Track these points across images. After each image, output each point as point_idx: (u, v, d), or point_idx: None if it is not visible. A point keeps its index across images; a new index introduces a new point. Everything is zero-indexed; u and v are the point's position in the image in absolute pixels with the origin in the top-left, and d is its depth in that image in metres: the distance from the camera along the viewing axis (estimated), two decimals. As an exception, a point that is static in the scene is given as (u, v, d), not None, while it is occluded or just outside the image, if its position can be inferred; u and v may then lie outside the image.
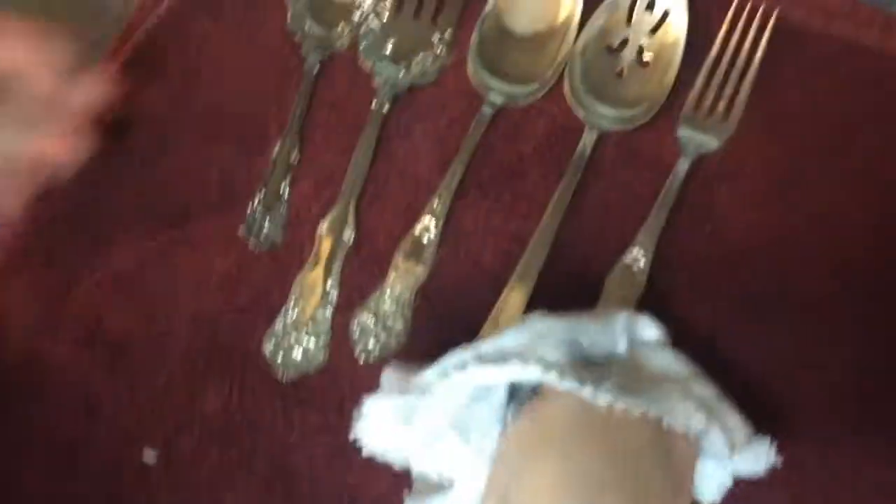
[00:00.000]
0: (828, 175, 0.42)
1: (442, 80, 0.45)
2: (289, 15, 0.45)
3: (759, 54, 0.42)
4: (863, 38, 0.45)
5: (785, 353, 0.39)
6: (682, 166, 0.41)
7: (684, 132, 0.42)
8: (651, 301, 0.40)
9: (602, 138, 0.43)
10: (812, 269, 0.40)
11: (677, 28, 0.44)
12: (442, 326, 0.40)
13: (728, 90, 0.43)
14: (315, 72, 0.44)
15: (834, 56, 0.45)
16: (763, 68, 0.43)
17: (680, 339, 0.39)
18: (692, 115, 0.42)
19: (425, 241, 0.41)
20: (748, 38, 0.43)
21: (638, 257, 0.40)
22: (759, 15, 0.43)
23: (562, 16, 0.44)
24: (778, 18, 0.45)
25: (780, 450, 0.36)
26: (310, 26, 0.45)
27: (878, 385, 0.38)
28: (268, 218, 0.41)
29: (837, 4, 0.46)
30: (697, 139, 0.42)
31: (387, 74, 0.44)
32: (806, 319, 0.40)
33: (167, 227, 0.41)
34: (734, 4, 0.43)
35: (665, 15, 0.44)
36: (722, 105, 0.42)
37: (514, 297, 0.40)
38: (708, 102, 0.42)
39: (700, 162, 0.42)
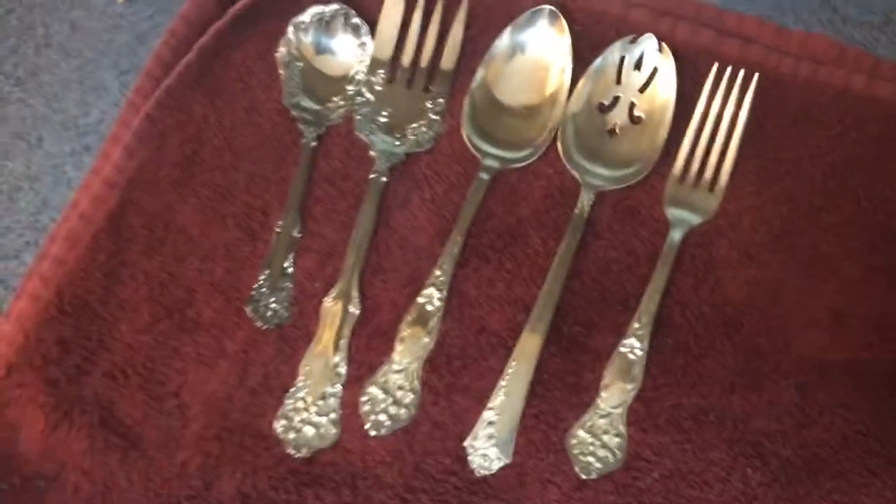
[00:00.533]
0: (820, 225, 0.43)
1: (438, 147, 0.45)
2: (283, 92, 0.45)
3: (742, 118, 0.43)
4: (851, 83, 0.46)
5: (789, 404, 0.40)
6: (675, 237, 0.42)
7: (671, 211, 0.42)
8: (660, 362, 0.41)
9: (599, 198, 0.44)
10: (809, 321, 0.41)
11: (666, 85, 0.45)
12: (451, 395, 0.41)
13: (713, 159, 0.43)
14: (312, 147, 0.45)
15: (822, 104, 0.45)
16: (751, 122, 0.44)
17: (688, 391, 0.40)
18: (676, 191, 0.43)
19: (430, 310, 0.42)
20: (730, 104, 0.44)
21: (634, 346, 0.40)
22: (740, 78, 0.44)
23: (550, 87, 0.45)
24: (765, 70, 0.46)
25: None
26: (304, 102, 0.45)
27: (879, 439, 0.39)
28: (273, 296, 0.42)
29: (824, 51, 0.47)
30: (684, 216, 0.42)
31: (383, 145, 0.45)
32: (809, 375, 0.40)
33: (174, 311, 0.42)
34: (713, 71, 0.44)
35: (653, 73, 0.45)
36: (708, 174, 0.43)
37: (518, 367, 0.40)
38: (693, 174, 0.43)
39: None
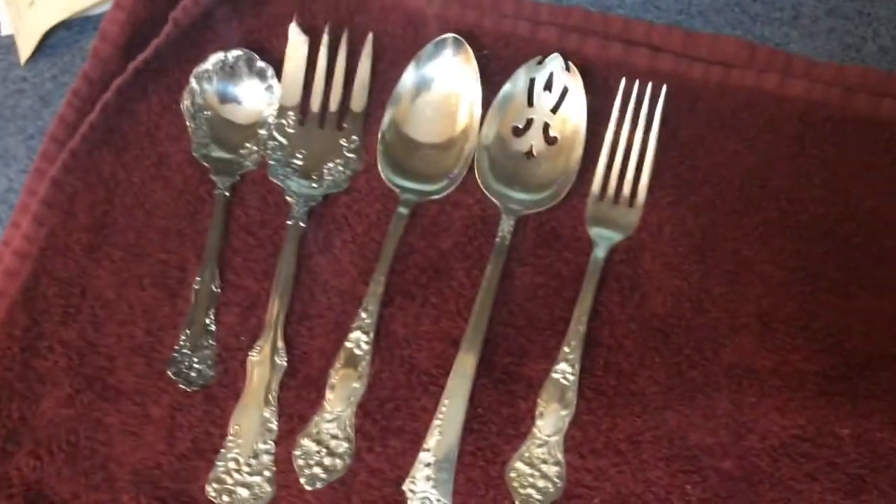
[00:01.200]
0: (741, 230, 0.43)
1: (355, 185, 0.45)
2: (192, 144, 0.44)
3: (654, 131, 0.43)
4: (763, 83, 0.46)
5: (723, 416, 0.39)
6: (599, 255, 0.42)
7: (593, 230, 0.42)
8: (593, 384, 0.40)
9: (520, 223, 0.43)
10: (737, 327, 0.41)
11: (578, 105, 0.44)
12: (386, 439, 0.40)
13: (629, 176, 0.43)
14: (226, 197, 0.44)
15: (735, 108, 0.46)
16: (664, 133, 0.44)
17: (622, 410, 0.40)
18: (597, 209, 0.43)
19: (358, 354, 0.41)
20: (641, 118, 0.44)
21: (566, 371, 0.40)
22: (649, 91, 0.44)
23: (461, 117, 0.45)
24: (676, 78, 0.46)
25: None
26: (215, 152, 0.44)
27: (815, 443, 0.39)
28: (196, 355, 0.41)
29: (734, 53, 0.47)
30: (606, 234, 0.42)
31: (299, 188, 0.44)
32: (741, 383, 0.40)
33: (95, 381, 0.41)
34: (622, 86, 0.44)
35: (564, 92, 0.45)
36: (626, 190, 0.43)
37: (451, 404, 0.40)
38: (612, 190, 0.43)
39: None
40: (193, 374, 0.41)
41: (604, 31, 0.47)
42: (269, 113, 0.45)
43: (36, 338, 0.41)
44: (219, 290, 0.42)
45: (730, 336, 0.41)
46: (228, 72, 0.45)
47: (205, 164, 0.44)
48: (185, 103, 0.45)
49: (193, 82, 0.45)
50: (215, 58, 0.45)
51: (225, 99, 0.45)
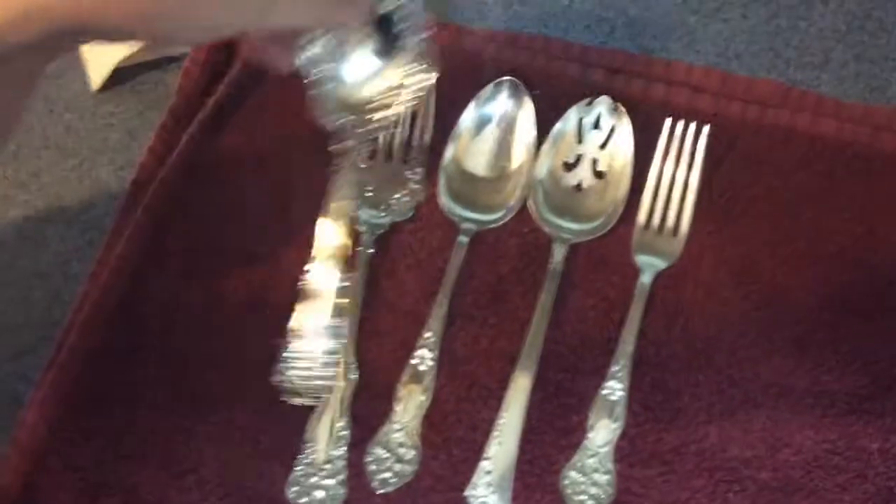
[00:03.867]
0: (776, 259, 0.46)
1: (419, 214, 0.49)
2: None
3: (696, 167, 0.47)
4: (796, 123, 0.50)
5: (761, 431, 0.43)
6: (645, 281, 0.46)
7: (639, 257, 0.46)
8: (641, 399, 0.44)
9: (572, 251, 0.47)
10: (773, 350, 0.44)
11: (624, 140, 0.48)
12: (449, 448, 0.44)
13: (672, 208, 0.47)
14: (302, 224, 0.48)
15: (770, 146, 0.49)
16: (705, 168, 0.48)
17: (668, 425, 0.43)
18: (642, 238, 0.46)
19: (423, 370, 0.45)
20: (684, 154, 0.47)
21: (615, 388, 0.44)
22: (692, 130, 0.48)
23: (516, 153, 0.49)
24: (714, 116, 0.49)
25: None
26: (292, 184, 0.49)
27: (845, 456, 0.42)
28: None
29: (769, 94, 0.50)
30: (651, 261, 0.46)
31: (368, 217, 0.48)
32: (777, 400, 0.43)
33: (188, 390, 0.45)
34: (667, 127, 0.48)
35: (611, 131, 0.48)
36: (670, 221, 0.47)
37: (510, 416, 0.43)
38: (656, 221, 0.47)
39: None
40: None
41: (647, 73, 0.51)
42: (340, 147, 0.49)
43: (133, 350, 0.45)
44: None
45: (767, 357, 0.44)
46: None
47: (283, 194, 0.49)
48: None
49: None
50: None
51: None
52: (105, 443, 0.43)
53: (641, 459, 0.43)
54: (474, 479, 0.43)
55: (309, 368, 0.39)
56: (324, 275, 0.39)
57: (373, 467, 0.43)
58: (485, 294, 0.47)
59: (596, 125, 0.48)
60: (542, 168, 0.48)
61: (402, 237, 0.48)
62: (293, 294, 0.47)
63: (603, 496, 0.42)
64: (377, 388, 0.45)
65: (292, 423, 0.44)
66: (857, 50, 0.52)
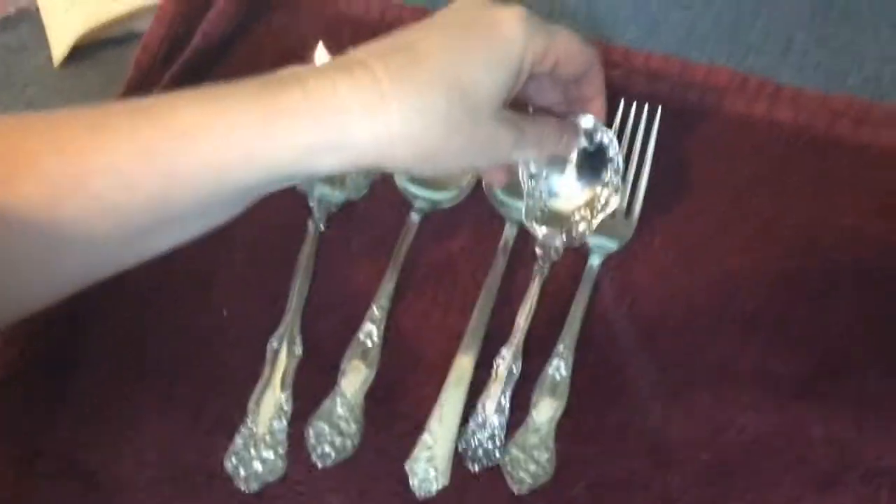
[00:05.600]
0: (728, 242, 0.46)
1: (373, 192, 0.48)
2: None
3: (650, 150, 0.46)
4: (753, 110, 0.50)
5: (703, 412, 0.42)
6: (594, 262, 0.45)
7: (590, 239, 0.46)
8: (585, 376, 0.43)
9: (522, 230, 0.47)
10: (720, 331, 0.44)
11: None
12: (392, 423, 0.43)
13: (626, 191, 0.47)
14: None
15: (726, 132, 0.49)
16: (659, 152, 0.48)
17: (610, 404, 0.43)
18: None
19: (369, 345, 0.45)
20: (637, 139, 0.47)
21: (559, 366, 0.43)
22: (645, 113, 0.47)
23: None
24: (672, 103, 0.49)
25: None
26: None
27: (788, 439, 0.42)
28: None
29: (727, 81, 0.50)
30: (603, 243, 0.46)
31: (321, 193, 0.48)
32: (721, 382, 0.43)
33: (131, 361, 0.45)
34: (620, 109, 0.48)
35: (567, 112, 0.48)
36: (623, 204, 0.46)
37: (451, 393, 0.43)
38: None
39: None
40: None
41: (606, 59, 0.51)
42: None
43: (75, 318, 0.45)
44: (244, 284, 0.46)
45: (713, 339, 0.44)
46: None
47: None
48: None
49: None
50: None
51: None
52: (43, 410, 0.43)
53: (582, 438, 0.42)
54: (415, 453, 0.42)
55: None
56: None
57: (313, 440, 0.43)
58: (434, 271, 0.47)
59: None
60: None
61: (356, 214, 0.48)
62: (242, 269, 0.47)
63: (541, 473, 0.42)
64: (321, 362, 0.45)
65: (234, 395, 0.44)
66: (818, 36, 0.52)
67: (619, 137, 0.47)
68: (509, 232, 0.47)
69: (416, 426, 0.43)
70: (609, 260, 0.46)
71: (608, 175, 0.44)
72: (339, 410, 0.44)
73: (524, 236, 0.47)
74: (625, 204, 0.47)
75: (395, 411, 0.44)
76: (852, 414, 0.42)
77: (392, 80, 0.33)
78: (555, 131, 0.40)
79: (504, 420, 0.43)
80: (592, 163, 0.44)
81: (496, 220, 0.47)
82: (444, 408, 0.43)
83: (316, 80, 0.33)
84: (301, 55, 0.51)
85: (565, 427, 0.43)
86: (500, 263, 0.46)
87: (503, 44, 0.35)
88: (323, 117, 0.32)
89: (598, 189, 0.44)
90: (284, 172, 0.33)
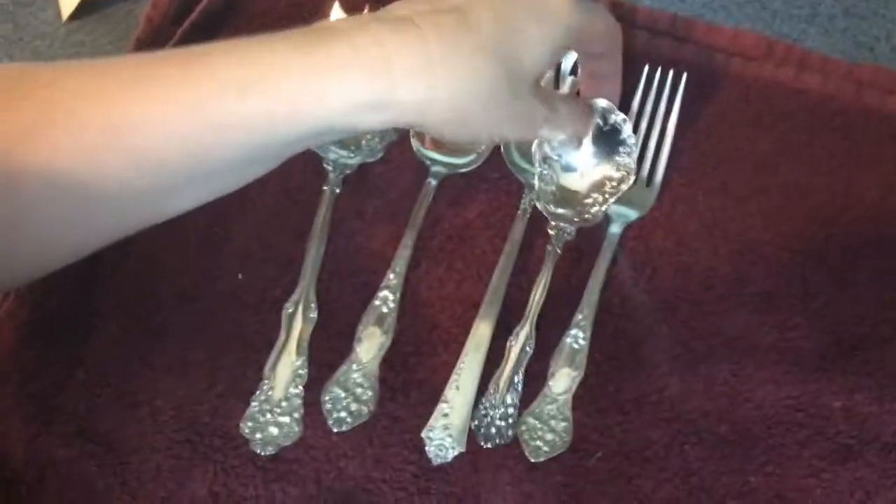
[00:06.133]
0: (749, 213, 0.45)
1: (389, 156, 0.48)
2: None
3: (674, 117, 0.45)
4: (779, 76, 0.49)
5: (722, 384, 0.42)
6: (614, 230, 0.45)
7: (610, 207, 0.45)
8: (603, 350, 0.43)
9: (541, 198, 0.46)
10: (740, 303, 0.43)
11: (602, 88, 0.47)
12: (408, 391, 0.43)
13: (647, 158, 0.46)
14: (269, 161, 0.47)
15: (751, 98, 0.48)
16: (683, 118, 0.47)
17: (628, 375, 0.42)
18: None
19: (385, 312, 0.44)
20: (662, 103, 0.46)
21: (577, 336, 0.43)
22: (670, 78, 0.46)
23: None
24: (697, 67, 0.48)
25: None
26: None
27: (808, 413, 0.41)
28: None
29: (753, 46, 0.49)
30: (623, 211, 0.45)
31: (337, 156, 0.47)
32: (741, 354, 0.43)
33: (143, 322, 0.44)
34: (643, 75, 0.47)
35: (589, 77, 0.47)
36: (644, 171, 0.46)
37: (469, 361, 0.43)
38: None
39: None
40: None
41: (630, 20, 0.50)
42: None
43: (91, 280, 0.45)
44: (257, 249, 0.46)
45: (733, 312, 0.44)
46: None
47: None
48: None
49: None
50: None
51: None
52: (60, 371, 0.43)
53: (600, 408, 0.42)
54: (431, 421, 0.42)
55: None
56: None
57: (329, 406, 0.43)
58: (451, 238, 0.46)
59: (573, 71, 0.47)
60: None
61: (371, 178, 0.47)
62: (257, 233, 0.46)
63: (559, 443, 0.41)
64: (337, 328, 0.44)
65: (249, 359, 0.44)
66: (846, 4, 0.51)
67: (643, 102, 0.46)
68: (528, 199, 0.46)
69: (433, 394, 0.43)
70: (629, 229, 0.45)
71: (621, 156, 0.43)
72: (355, 376, 0.43)
73: (543, 203, 0.46)
74: (646, 172, 0.46)
75: (412, 378, 0.43)
76: (873, 387, 0.41)
77: (441, 45, 0.32)
78: (579, 112, 0.40)
79: (517, 399, 0.42)
80: (606, 144, 0.43)
81: (514, 185, 0.47)
82: (461, 376, 0.43)
83: (363, 37, 0.32)
84: (316, 16, 0.50)
85: (582, 397, 0.42)
86: (517, 230, 0.45)
87: (551, 18, 0.35)
88: (370, 75, 0.32)
89: (611, 171, 0.44)
90: (328, 127, 0.33)
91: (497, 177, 0.47)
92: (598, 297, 0.44)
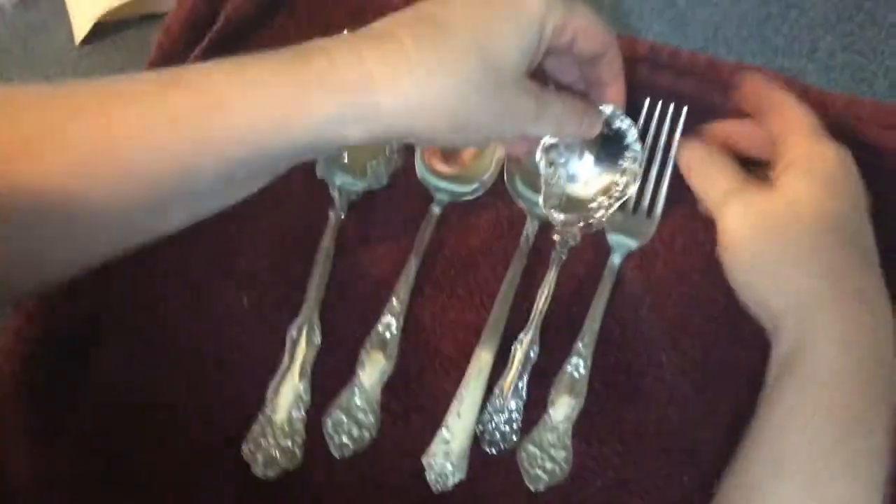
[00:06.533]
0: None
1: (394, 182, 0.48)
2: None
3: (675, 148, 0.46)
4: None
5: (722, 416, 0.43)
6: (615, 260, 0.45)
7: (612, 237, 0.46)
8: (603, 379, 0.43)
9: (543, 227, 0.47)
10: (739, 338, 0.44)
11: (604, 120, 0.48)
12: (409, 416, 0.44)
13: (648, 189, 0.46)
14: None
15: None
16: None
17: (628, 404, 0.43)
18: (615, 217, 0.46)
19: (388, 337, 0.45)
20: (662, 137, 0.47)
21: (578, 365, 0.43)
22: (671, 111, 0.47)
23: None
24: (697, 100, 0.49)
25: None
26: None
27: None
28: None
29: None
30: (624, 241, 0.46)
31: (342, 182, 0.48)
32: (740, 388, 0.43)
33: (151, 343, 0.45)
34: (646, 105, 0.47)
35: (592, 108, 0.48)
36: (645, 202, 0.46)
37: (470, 388, 0.43)
38: (631, 203, 0.46)
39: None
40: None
41: (631, 54, 0.51)
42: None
43: (98, 297, 0.45)
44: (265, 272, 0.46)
45: (733, 344, 0.44)
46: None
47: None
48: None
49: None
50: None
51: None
52: (65, 388, 0.44)
53: (599, 437, 0.43)
54: (432, 447, 0.43)
55: None
56: None
57: (331, 431, 0.43)
58: (454, 265, 0.46)
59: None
60: (520, 142, 0.48)
61: (376, 204, 0.48)
62: (262, 256, 0.47)
63: (558, 471, 0.42)
64: (341, 352, 0.45)
65: (252, 381, 0.44)
66: (846, 41, 0.52)
67: (644, 135, 0.47)
68: (530, 227, 0.46)
69: (434, 420, 0.43)
70: (630, 258, 0.46)
71: (626, 162, 0.44)
72: (358, 401, 0.44)
73: (545, 232, 0.47)
74: (646, 203, 0.47)
75: (413, 404, 0.44)
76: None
77: (418, 49, 0.33)
78: (577, 111, 0.40)
79: (521, 404, 0.43)
80: (611, 149, 0.44)
81: (517, 214, 0.47)
82: (462, 403, 0.43)
83: (341, 51, 0.33)
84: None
85: (582, 426, 0.43)
86: (520, 259, 0.46)
87: (524, 13, 0.36)
88: (350, 86, 0.33)
89: (617, 176, 0.44)
90: (313, 142, 0.33)
91: (500, 205, 0.47)
92: (599, 326, 0.44)
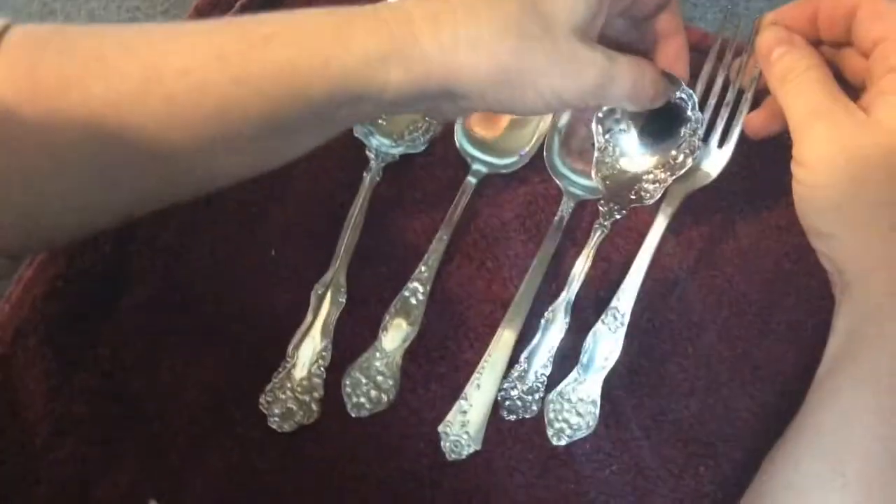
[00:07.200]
0: (783, 244, 0.45)
1: (432, 149, 0.48)
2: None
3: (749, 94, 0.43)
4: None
5: (743, 410, 0.42)
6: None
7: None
8: (627, 363, 0.43)
9: (579, 206, 0.46)
10: (766, 332, 0.43)
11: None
12: (428, 384, 0.43)
13: (722, 120, 0.43)
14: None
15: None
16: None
17: (649, 391, 0.43)
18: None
19: (413, 303, 0.44)
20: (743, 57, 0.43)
21: (616, 311, 0.43)
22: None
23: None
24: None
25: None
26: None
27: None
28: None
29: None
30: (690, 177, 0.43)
31: (379, 143, 0.47)
32: (763, 383, 0.43)
33: (175, 290, 0.44)
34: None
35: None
36: (719, 129, 0.43)
37: (491, 362, 0.43)
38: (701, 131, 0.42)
39: (678, 226, 0.45)
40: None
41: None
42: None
43: (128, 241, 0.45)
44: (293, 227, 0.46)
45: (760, 339, 0.44)
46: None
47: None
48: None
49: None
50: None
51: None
52: (87, 327, 0.43)
53: (618, 421, 0.42)
54: (449, 416, 0.42)
55: None
56: None
57: (349, 390, 0.43)
58: (486, 237, 0.46)
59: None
60: (563, 118, 0.47)
61: (412, 170, 0.47)
62: (294, 211, 0.47)
63: (582, 426, 0.42)
64: (364, 314, 0.44)
65: (275, 335, 0.44)
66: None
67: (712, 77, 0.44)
68: (566, 206, 0.46)
69: (453, 390, 0.43)
70: (663, 246, 0.45)
71: (684, 135, 0.42)
72: (378, 365, 0.43)
73: (580, 213, 0.46)
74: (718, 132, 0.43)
75: (433, 372, 0.44)
76: None
77: None
78: (654, 73, 0.37)
79: (545, 374, 0.42)
80: (669, 120, 0.42)
81: (553, 191, 0.47)
82: (483, 375, 0.43)
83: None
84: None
85: (602, 408, 0.42)
86: (553, 237, 0.45)
87: None
88: (391, 27, 0.32)
89: (673, 150, 0.42)
90: (354, 83, 0.33)
91: (537, 180, 0.47)
92: (644, 275, 0.42)
